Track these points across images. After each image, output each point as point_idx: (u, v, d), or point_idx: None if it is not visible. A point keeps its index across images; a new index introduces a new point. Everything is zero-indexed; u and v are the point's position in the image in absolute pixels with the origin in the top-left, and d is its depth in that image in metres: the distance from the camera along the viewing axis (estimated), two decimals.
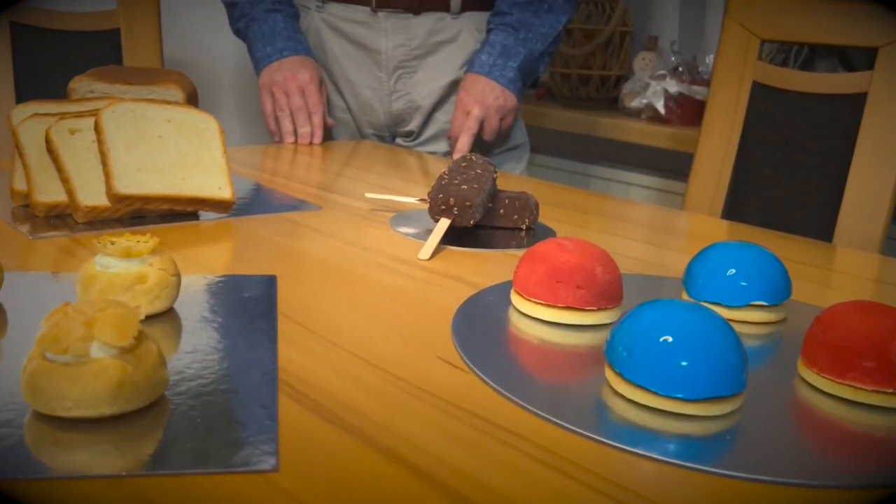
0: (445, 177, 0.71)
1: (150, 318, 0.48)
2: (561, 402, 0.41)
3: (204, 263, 0.61)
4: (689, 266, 0.56)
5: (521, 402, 0.40)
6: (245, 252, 0.66)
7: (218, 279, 0.57)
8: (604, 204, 0.98)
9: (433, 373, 0.44)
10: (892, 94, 0.91)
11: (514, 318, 0.52)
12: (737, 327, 0.52)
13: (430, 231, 0.73)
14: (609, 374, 0.42)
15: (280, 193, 0.86)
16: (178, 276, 0.51)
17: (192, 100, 0.91)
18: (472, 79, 1.13)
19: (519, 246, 0.70)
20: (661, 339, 0.40)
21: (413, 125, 1.22)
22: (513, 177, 1.11)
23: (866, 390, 0.40)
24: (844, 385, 0.41)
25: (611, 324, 0.51)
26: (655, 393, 0.39)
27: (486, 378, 0.43)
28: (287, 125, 1.16)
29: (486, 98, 1.12)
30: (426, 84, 1.19)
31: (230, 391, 0.41)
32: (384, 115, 1.21)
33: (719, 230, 0.86)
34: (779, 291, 0.52)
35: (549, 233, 0.75)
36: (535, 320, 0.51)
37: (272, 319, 0.50)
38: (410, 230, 0.73)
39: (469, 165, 0.74)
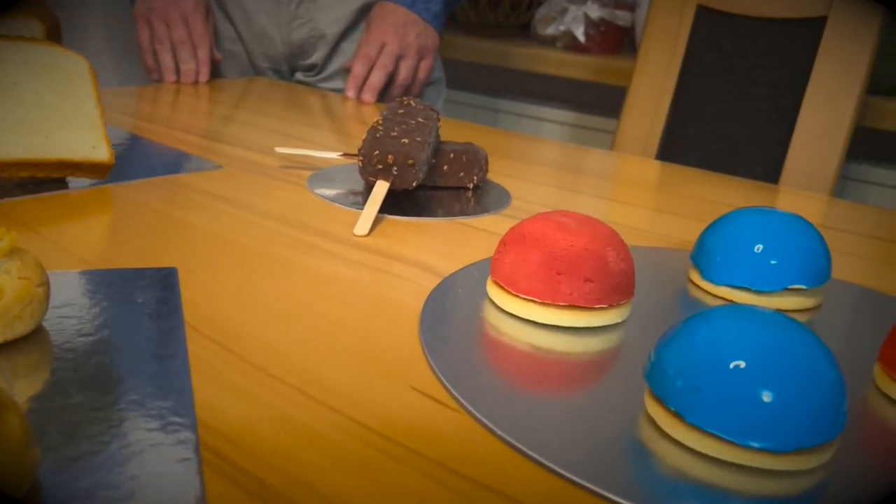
0: (380, 128, 0.57)
1: (7, 348, 0.33)
2: (593, 453, 0.30)
3: (78, 252, 0.45)
4: (702, 239, 0.45)
5: (539, 458, 0.28)
6: (131, 232, 0.49)
7: (99, 277, 0.41)
8: (552, 152, 0.86)
9: (411, 414, 0.31)
10: (854, 17, 0.83)
11: (498, 320, 0.39)
12: None
13: (356, 193, 0.59)
14: (654, 410, 0.31)
15: (165, 147, 0.68)
16: (45, 285, 0.35)
17: (55, 34, 0.71)
18: (391, 7, 0.96)
19: (468, 212, 0.57)
20: (732, 366, 0.29)
21: (316, 57, 1.04)
22: (450, 122, 0.97)
23: None
24: None
25: (622, 323, 0.40)
26: (727, 441, 0.28)
27: (483, 419, 0.30)
28: (167, 60, 0.96)
29: (407, 33, 0.96)
30: (332, 9, 1.01)
31: (129, 494, 0.26)
32: (282, 45, 1.03)
33: (687, 178, 0.76)
34: (821, 271, 0.42)
35: (502, 193, 0.62)
36: (528, 323, 0.39)
37: (178, 340, 0.35)
38: (333, 192, 0.58)
39: (408, 113, 0.59)
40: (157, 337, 0.35)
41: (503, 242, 0.40)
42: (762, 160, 0.91)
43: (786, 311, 0.42)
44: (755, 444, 0.28)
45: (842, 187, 1.15)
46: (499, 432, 0.30)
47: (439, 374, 0.33)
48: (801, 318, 0.42)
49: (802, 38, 0.88)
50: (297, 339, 0.36)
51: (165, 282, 0.40)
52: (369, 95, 0.96)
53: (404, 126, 0.57)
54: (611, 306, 0.38)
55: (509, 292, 0.39)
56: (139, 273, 0.41)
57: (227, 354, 0.34)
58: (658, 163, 0.87)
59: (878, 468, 0.30)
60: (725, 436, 0.28)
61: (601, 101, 1.42)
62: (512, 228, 0.41)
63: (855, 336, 0.40)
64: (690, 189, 0.69)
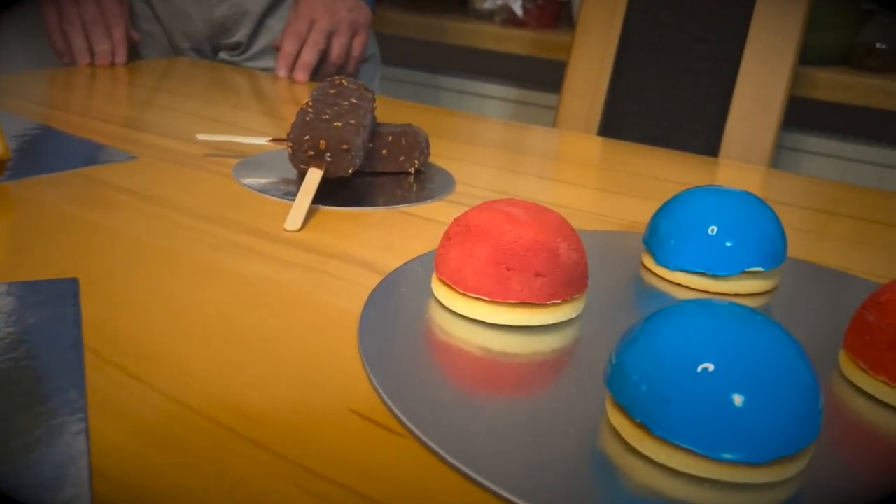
0: (310, 111, 0.52)
1: None
2: (553, 473, 0.26)
3: None
4: (654, 222, 0.42)
5: (495, 489, 0.25)
6: (27, 238, 0.44)
7: None
8: (495, 131, 0.83)
9: (351, 444, 0.27)
10: None
11: (445, 322, 0.36)
12: None
13: (288, 181, 0.54)
14: (618, 421, 0.28)
15: (75, 138, 0.62)
16: None
17: None
18: None
19: (411, 199, 0.53)
20: (700, 369, 0.26)
21: (240, 35, 0.98)
22: (388, 102, 0.92)
23: None
24: None
25: (577, 318, 0.37)
26: (699, 455, 0.25)
27: (432, 445, 0.27)
28: (79, 42, 0.88)
29: (337, 8, 0.90)
30: None
31: None
32: (203, 23, 0.96)
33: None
34: (777, 253, 0.40)
35: (445, 177, 0.58)
36: (477, 324, 0.35)
37: (73, 370, 0.30)
38: (262, 182, 0.53)
39: (340, 94, 0.55)
40: (47, 367, 0.31)
41: (447, 236, 0.37)
42: (702, 133, 0.90)
43: (743, 295, 0.40)
44: (730, 457, 0.25)
45: (776, 157, 1.15)
46: (450, 460, 0.26)
47: (381, 392, 0.29)
48: (759, 302, 0.40)
49: (736, 10, 0.86)
50: (218, 361, 0.32)
51: (63, 296, 0.35)
52: (302, 74, 0.90)
53: (337, 108, 0.52)
54: (564, 301, 0.35)
55: (456, 291, 0.35)
56: (32, 287, 0.36)
57: (133, 384, 0.30)
58: (601, 139, 0.85)
59: (855, 468, 0.28)
60: (697, 449, 0.25)
61: (543, 77, 1.39)
62: (456, 220, 0.37)
63: (815, 320, 0.38)
64: (634, 166, 0.67)
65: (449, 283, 0.36)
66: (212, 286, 0.38)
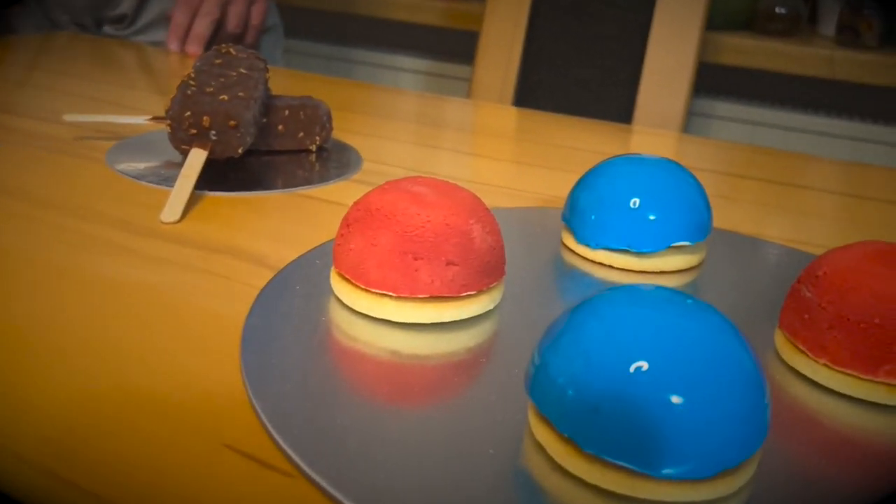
0: (192, 83, 0.45)
1: None
2: (473, 500, 0.22)
3: None
4: (573, 196, 0.38)
5: None
6: None
7: None
8: (405, 103, 0.77)
9: (224, 490, 0.22)
10: None
11: (346, 323, 0.31)
12: (653, 281, 0.37)
13: (170, 165, 0.48)
14: (543, 436, 0.24)
15: None
16: None
17: None
18: None
19: (313, 180, 0.48)
20: (633, 370, 0.22)
21: (124, 7, 0.88)
22: (287, 74, 0.85)
23: None
24: (876, 383, 0.26)
25: (495, 310, 0.32)
26: (637, 473, 0.22)
27: (327, 487, 0.22)
28: None
29: None
30: None
31: None
32: None
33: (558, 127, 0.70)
34: (702, 224, 0.37)
35: (351, 154, 0.53)
36: (383, 323, 0.30)
37: None
38: (139, 167, 0.46)
39: (226, 64, 0.48)
40: None
41: (345, 223, 0.31)
42: (616, 101, 0.87)
43: (670, 272, 0.37)
44: (672, 473, 0.21)
45: (688, 123, 1.14)
46: (347, 503, 0.21)
47: (264, 420, 0.24)
48: (687, 278, 0.37)
49: None
50: (65, 395, 0.26)
51: None
52: (195, 46, 0.82)
53: (223, 79, 0.46)
54: (480, 292, 0.31)
55: (357, 286, 0.30)
56: None
57: None
58: (516, 110, 0.81)
59: (804, 464, 0.24)
60: (634, 466, 0.21)
61: (456, 48, 1.34)
62: (356, 203, 0.32)
63: (748, 297, 0.35)
64: (550, 136, 0.63)
65: (349, 277, 0.31)
66: (65, 293, 0.32)
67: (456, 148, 0.60)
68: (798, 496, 0.23)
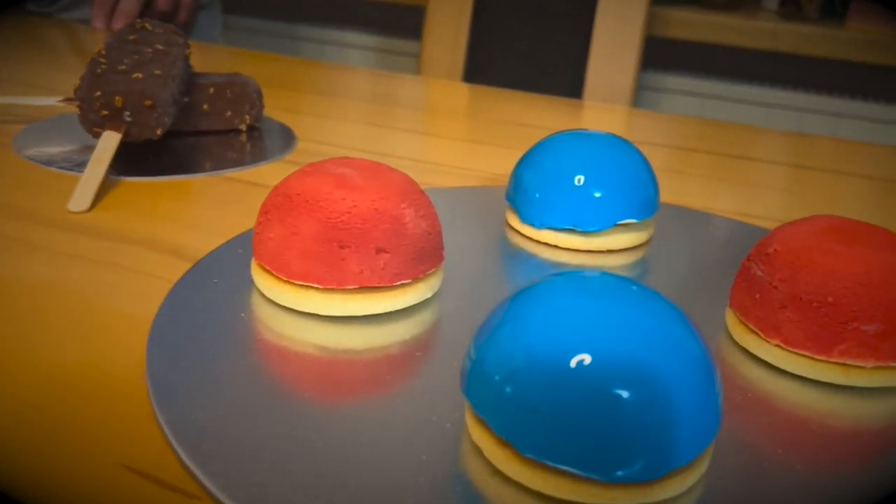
0: (102, 61, 0.41)
1: None
2: None
3: None
4: (516, 174, 0.36)
5: None
6: None
7: None
8: (345, 79, 0.74)
9: None
10: None
11: (270, 319, 0.28)
12: (600, 261, 0.35)
13: (85, 149, 0.44)
14: (481, 437, 0.21)
15: None
16: None
17: None
18: None
19: (242, 162, 0.44)
20: (574, 364, 0.20)
21: None
22: (216, 50, 0.80)
23: (863, 367, 0.25)
24: (831, 363, 0.25)
25: (433, 298, 0.30)
26: (583, 477, 0.19)
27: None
28: None
29: None
30: None
31: None
32: None
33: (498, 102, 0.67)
34: (649, 201, 0.35)
35: (285, 134, 0.49)
36: (310, 317, 0.28)
37: None
38: (49, 152, 0.42)
39: (141, 39, 0.44)
40: None
41: (264, 209, 0.28)
42: (565, 76, 0.85)
43: (617, 251, 0.35)
44: (619, 476, 0.19)
45: (638, 98, 1.13)
46: None
47: (169, 436, 0.21)
48: (634, 257, 0.35)
49: None
50: None
51: None
52: (121, 24, 0.77)
53: (137, 56, 0.42)
54: (415, 280, 0.28)
55: (279, 278, 0.28)
56: None
57: None
58: (464, 86, 0.78)
59: (760, 452, 0.23)
60: (578, 470, 0.19)
61: (407, 23, 1.30)
62: (275, 188, 0.29)
63: (697, 276, 0.34)
64: (499, 112, 0.60)
65: (269, 269, 0.28)
66: None
67: (398, 125, 0.57)
68: (754, 485, 0.21)
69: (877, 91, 1.10)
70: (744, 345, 0.27)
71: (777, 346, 0.26)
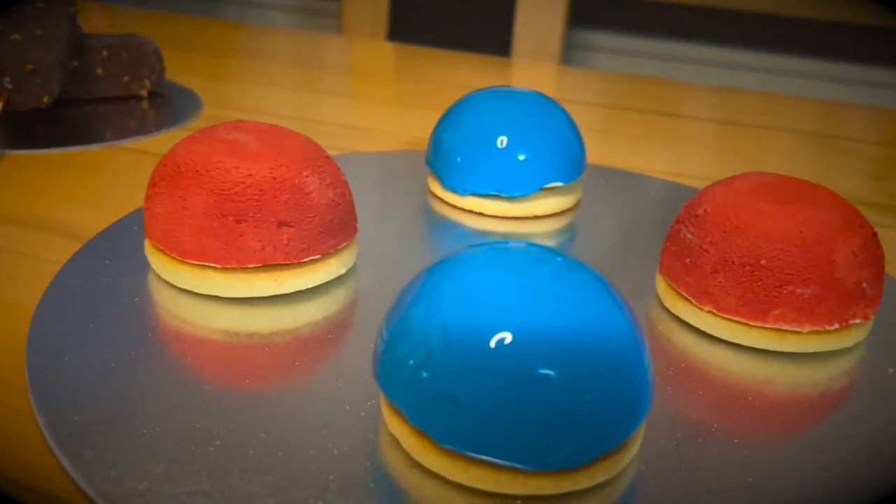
0: None
1: None
2: None
3: None
4: (436, 137, 0.33)
5: None
6: None
7: None
8: (256, 40, 0.69)
9: None
10: None
11: (167, 301, 0.25)
12: (527, 227, 0.33)
13: None
14: (396, 427, 0.19)
15: None
16: None
17: None
18: None
19: (145, 130, 0.41)
20: (494, 345, 0.18)
21: None
22: (108, 10, 0.74)
23: (799, 332, 0.23)
24: (766, 329, 0.24)
25: (348, 274, 0.27)
26: (506, 467, 0.18)
27: None
28: None
29: None
30: None
31: None
32: None
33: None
34: (575, 162, 0.33)
35: (191, 100, 0.46)
36: (211, 300, 0.25)
37: None
38: None
39: None
40: None
41: (152, 182, 0.25)
42: (492, 33, 0.83)
43: (544, 217, 0.33)
44: (544, 464, 0.18)
45: (568, 56, 1.11)
46: None
47: (52, 446, 0.18)
48: (562, 222, 0.33)
49: None
50: None
51: None
52: None
53: (14, 16, 0.37)
54: (326, 256, 0.26)
55: (175, 258, 0.25)
56: None
57: None
58: (389, 45, 0.74)
59: (696, 422, 0.21)
60: (500, 460, 0.18)
61: None
62: (163, 158, 0.26)
63: (626, 240, 0.32)
64: (424, 73, 0.58)
65: (162, 247, 0.25)
66: None
67: (321, 89, 0.53)
68: (690, 464, 0.20)
69: (805, 46, 1.11)
70: (675, 312, 0.26)
71: (710, 312, 0.24)
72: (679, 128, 0.50)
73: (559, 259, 0.20)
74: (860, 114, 0.58)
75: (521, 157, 0.31)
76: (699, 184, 0.38)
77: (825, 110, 0.58)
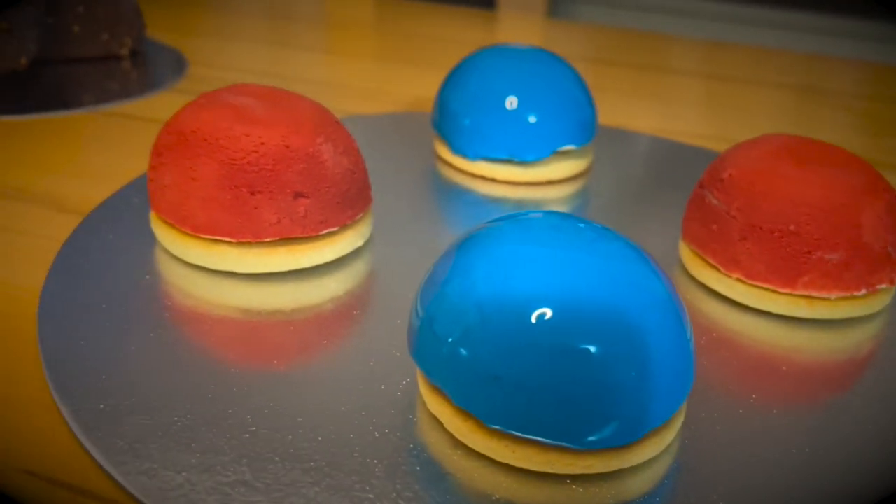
0: None
1: None
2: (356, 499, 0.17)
3: None
4: (442, 98, 0.32)
5: None
6: None
7: None
8: None
9: None
10: None
11: (177, 277, 0.24)
12: (541, 193, 0.32)
13: None
14: (437, 407, 0.19)
15: None
16: None
17: None
18: None
19: (129, 93, 0.38)
20: (535, 320, 0.17)
21: None
22: None
23: (828, 299, 0.23)
24: (795, 296, 0.23)
25: (365, 247, 0.26)
26: (554, 446, 0.17)
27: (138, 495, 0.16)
28: None
29: None
30: None
31: None
32: None
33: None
34: (588, 123, 0.32)
35: (175, 59, 0.43)
36: (226, 276, 0.24)
37: None
38: None
39: None
40: None
41: (156, 151, 0.24)
42: None
43: (558, 181, 0.32)
44: (592, 442, 0.17)
45: (555, 8, 1.09)
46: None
47: (77, 432, 0.18)
48: (576, 187, 0.32)
49: None
50: None
51: None
52: None
53: None
54: (343, 228, 0.25)
55: (185, 232, 0.23)
56: None
57: None
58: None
59: (732, 392, 0.21)
60: (548, 440, 0.17)
61: None
62: (166, 125, 0.24)
63: (643, 204, 0.32)
64: (409, 26, 0.56)
65: (171, 221, 0.24)
66: None
67: (303, 44, 0.51)
68: (732, 431, 0.20)
69: None
70: (702, 280, 0.26)
71: (738, 279, 0.24)
72: (666, 83, 0.49)
73: (588, 228, 0.19)
74: (849, 67, 0.58)
75: (532, 120, 0.30)
76: (690, 140, 0.38)
77: (813, 64, 0.58)
